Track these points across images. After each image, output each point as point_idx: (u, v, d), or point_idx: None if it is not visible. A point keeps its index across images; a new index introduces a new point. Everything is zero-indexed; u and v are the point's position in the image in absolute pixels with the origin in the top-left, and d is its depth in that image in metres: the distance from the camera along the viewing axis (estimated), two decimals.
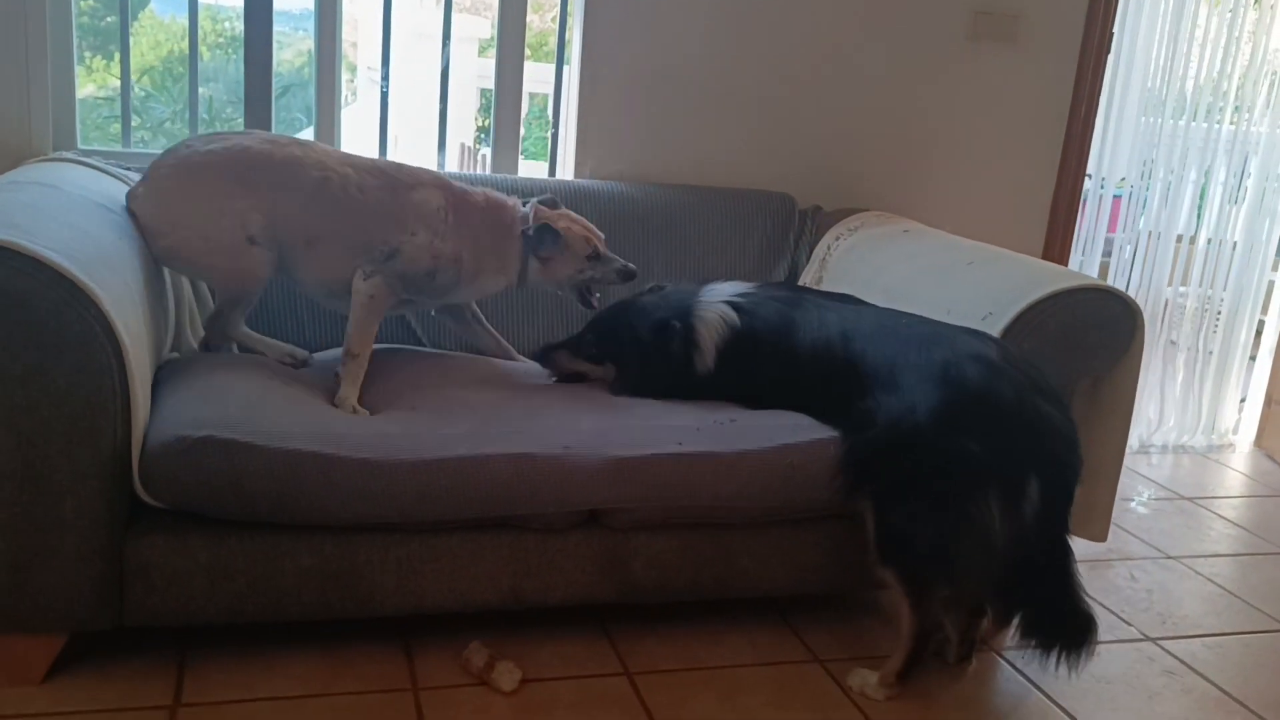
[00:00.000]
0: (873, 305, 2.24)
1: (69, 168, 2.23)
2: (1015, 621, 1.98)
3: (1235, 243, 3.69)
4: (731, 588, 2.06)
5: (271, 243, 2.07)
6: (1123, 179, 3.52)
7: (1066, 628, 1.91)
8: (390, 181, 2.16)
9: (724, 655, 2.06)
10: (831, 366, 2.06)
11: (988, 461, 1.80)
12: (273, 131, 2.48)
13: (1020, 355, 1.98)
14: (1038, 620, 1.93)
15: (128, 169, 2.33)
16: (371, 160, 2.21)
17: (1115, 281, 3.55)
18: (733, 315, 2.18)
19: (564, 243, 2.22)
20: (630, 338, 2.22)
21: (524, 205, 2.27)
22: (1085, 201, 3.37)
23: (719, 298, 2.22)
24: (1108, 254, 3.56)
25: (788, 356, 2.12)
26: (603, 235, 2.30)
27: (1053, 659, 1.91)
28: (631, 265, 2.28)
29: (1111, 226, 3.58)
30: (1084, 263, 3.49)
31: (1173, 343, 3.80)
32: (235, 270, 2.07)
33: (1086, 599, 1.94)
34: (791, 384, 2.12)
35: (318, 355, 2.31)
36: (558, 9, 2.90)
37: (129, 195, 2.08)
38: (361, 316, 2.11)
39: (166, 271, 2.13)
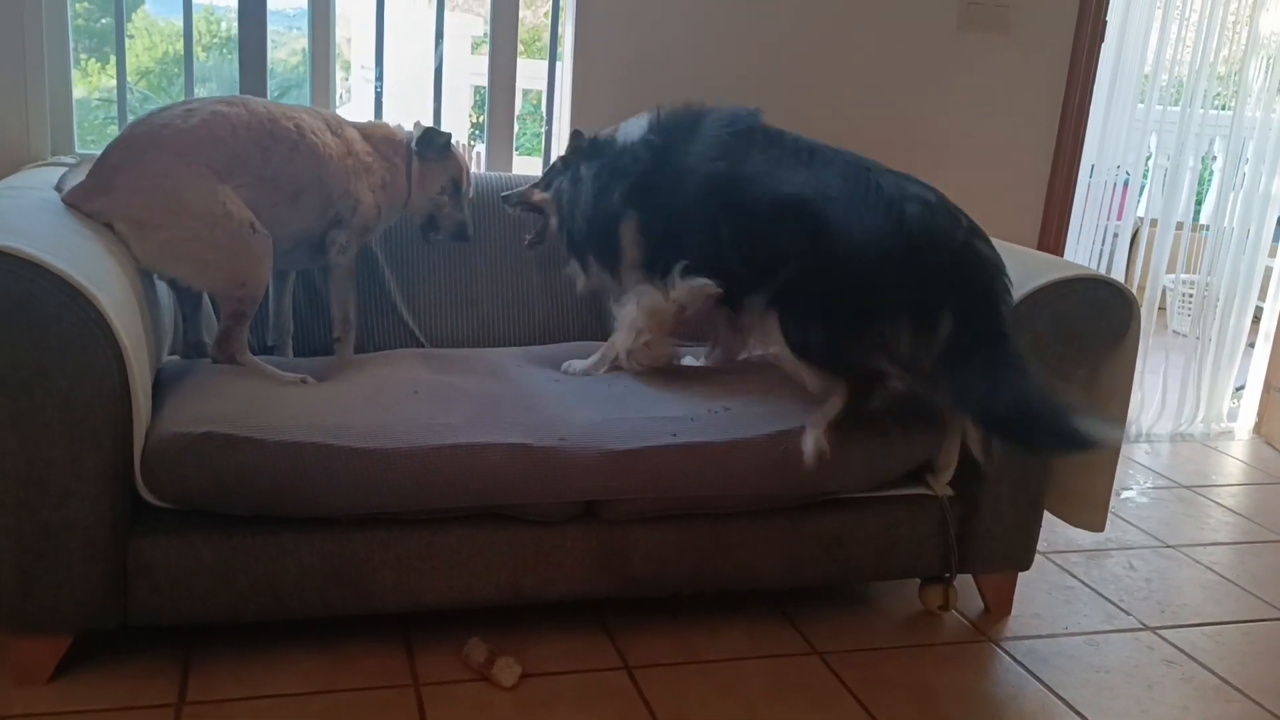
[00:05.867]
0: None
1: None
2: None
3: (1234, 229, 3.70)
4: (729, 580, 2.08)
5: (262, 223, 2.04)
6: (1118, 166, 3.53)
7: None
8: (328, 124, 2.19)
9: (722, 648, 2.07)
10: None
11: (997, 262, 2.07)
12: None
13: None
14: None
15: None
16: (302, 107, 2.20)
17: (1111, 270, 3.56)
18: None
19: (450, 152, 2.35)
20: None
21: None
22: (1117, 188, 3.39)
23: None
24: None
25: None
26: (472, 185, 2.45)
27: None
28: (470, 230, 2.42)
29: (1119, 214, 3.59)
30: (1099, 251, 3.52)
31: (1173, 331, 3.81)
32: (240, 259, 1.98)
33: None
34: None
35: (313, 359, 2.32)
36: (550, 5, 2.90)
37: (81, 194, 1.90)
38: (348, 285, 2.26)
39: None
